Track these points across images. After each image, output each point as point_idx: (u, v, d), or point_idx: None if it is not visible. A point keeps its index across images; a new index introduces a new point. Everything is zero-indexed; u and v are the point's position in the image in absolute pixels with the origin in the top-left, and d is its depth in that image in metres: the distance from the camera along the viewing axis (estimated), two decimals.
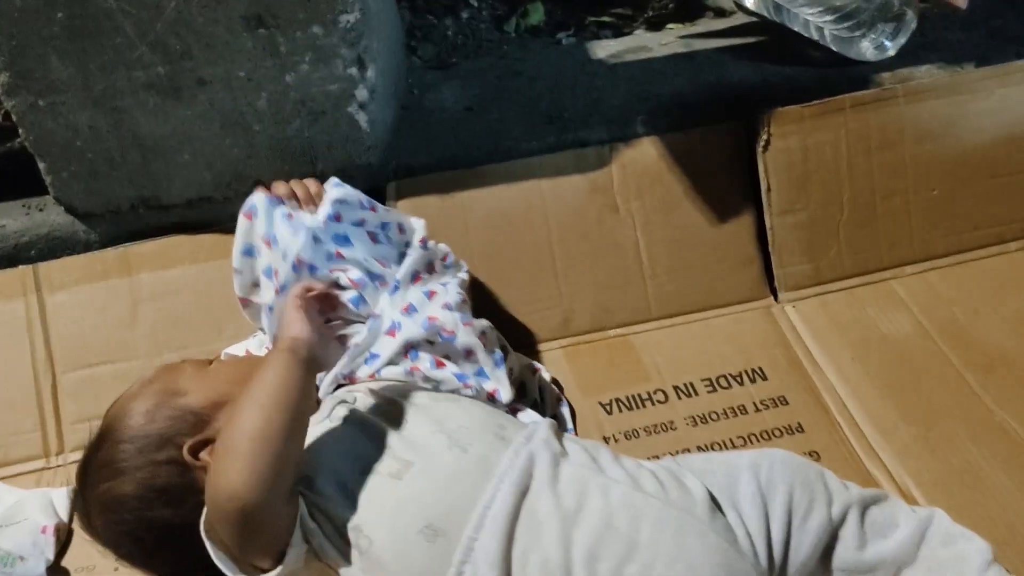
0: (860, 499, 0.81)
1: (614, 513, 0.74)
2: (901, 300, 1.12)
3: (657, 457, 0.97)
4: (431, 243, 1.00)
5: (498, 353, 0.95)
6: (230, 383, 0.83)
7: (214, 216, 1.09)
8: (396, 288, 0.93)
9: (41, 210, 1.09)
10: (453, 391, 0.88)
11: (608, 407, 1.03)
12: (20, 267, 1.07)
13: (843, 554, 0.79)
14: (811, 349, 1.08)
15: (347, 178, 1.08)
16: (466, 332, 0.92)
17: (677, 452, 0.98)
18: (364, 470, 0.77)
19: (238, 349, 1.01)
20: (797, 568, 0.78)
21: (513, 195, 1.10)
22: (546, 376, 1.03)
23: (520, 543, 0.73)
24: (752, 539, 0.76)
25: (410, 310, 0.91)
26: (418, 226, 1.00)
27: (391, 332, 0.89)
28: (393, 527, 0.74)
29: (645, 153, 1.12)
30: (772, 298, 1.14)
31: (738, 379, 1.05)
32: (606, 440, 1.00)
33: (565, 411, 1.00)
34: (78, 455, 1.01)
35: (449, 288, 0.96)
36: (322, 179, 1.06)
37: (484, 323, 0.96)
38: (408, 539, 0.73)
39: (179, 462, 0.80)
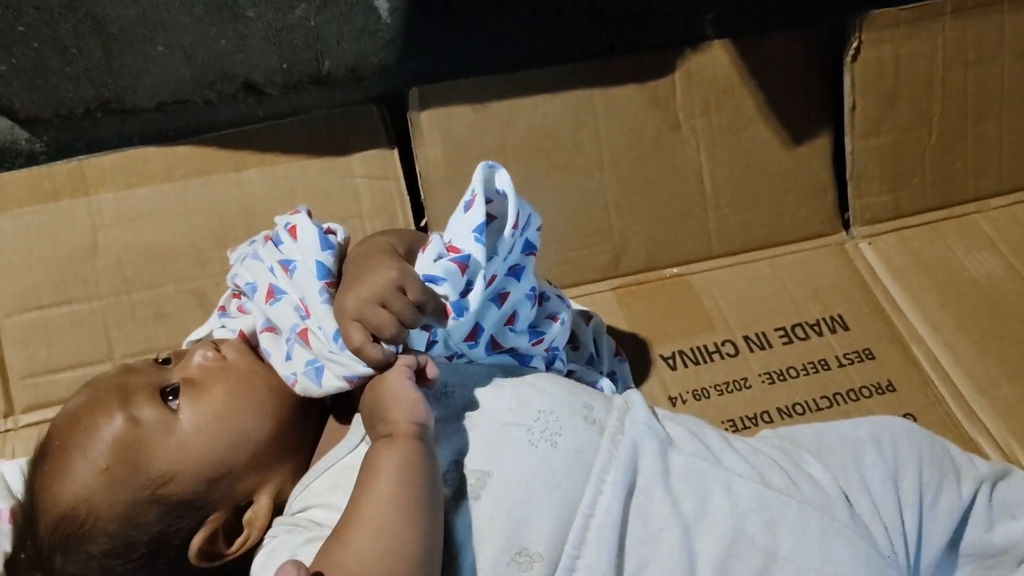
0: (990, 474, 0.70)
1: (744, 516, 0.60)
2: (988, 237, 0.99)
3: (733, 423, 0.84)
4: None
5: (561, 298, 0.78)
6: (217, 440, 0.63)
7: (190, 124, 0.89)
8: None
9: None
10: (519, 358, 0.71)
11: (671, 361, 0.89)
12: None
13: (971, 538, 0.68)
14: (893, 293, 0.95)
15: (358, 80, 0.88)
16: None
17: (754, 415, 0.85)
18: None
19: (202, 333, 0.80)
20: (929, 560, 0.66)
21: (559, 108, 0.92)
22: (600, 326, 0.87)
23: (633, 557, 0.59)
24: (890, 535, 0.64)
25: None
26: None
27: None
28: (480, 561, 0.58)
29: (714, 60, 0.95)
30: (844, 233, 1.00)
31: (816, 328, 0.91)
32: (672, 401, 0.86)
33: (625, 367, 0.85)
34: (31, 417, 0.85)
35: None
36: (327, 81, 0.87)
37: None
38: (498, 574, 0.58)
39: (183, 560, 0.63)
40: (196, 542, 0.63)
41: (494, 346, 0.70)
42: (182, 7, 0.78)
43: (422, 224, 0.92)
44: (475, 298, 0.64)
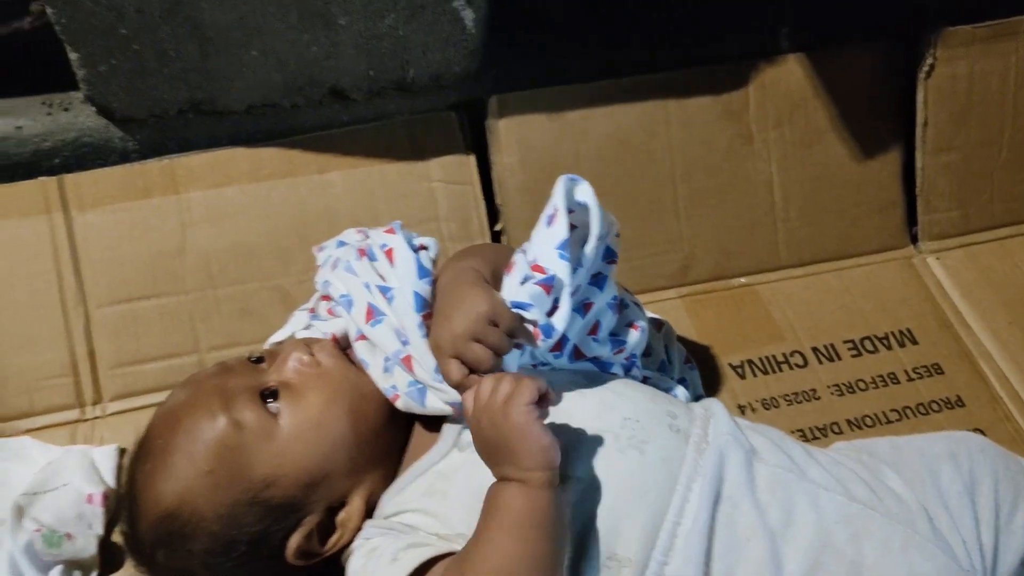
0: None
1: (830, 528, 0.61)
2: None
3: (803, 433, 0.85)
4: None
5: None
6: (316, 447, 0.65)
7: (275, 127, 0.91)
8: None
9: (66, 109, 0.89)
10: (599, 365, 0.73)
11: (740, 370, 0.90)
12: (41, 178, 0.89)
13: None
14: (961, 309, 0.95)
15: (440, 88, 0.91)
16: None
17: (824, 426, 0.85)
18: None
19: (285, 333, 0.80)
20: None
21: (633, 118, 0.94)
22: (671, 333, 0.88)
23: (720, 565, 0.60)
24: (967, 549, 0.65)
25: None
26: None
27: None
28: (574, 568, 0.60)
29: (788, 73, 0.96)
30: (912, 247, 1.00)
31: (885, 342, 0.92)
32: (741, 410, 0.87)
33: (695, 375, 0.87)
34: (119, 405, 0.88)
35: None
36: (411, 88, 0.90)
37: None
38: None
39: (280, 558, 0.65)
40: (293, 542, 0.65)
41: (577, 355, 0.72)
42: (278, 14, 0.81)
43: (496, 228, 0.94)
44: (561, 318, 0.65)
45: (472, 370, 0.62)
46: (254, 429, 0.64)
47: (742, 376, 0.89)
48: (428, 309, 0.67)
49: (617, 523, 0.60)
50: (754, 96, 0.96)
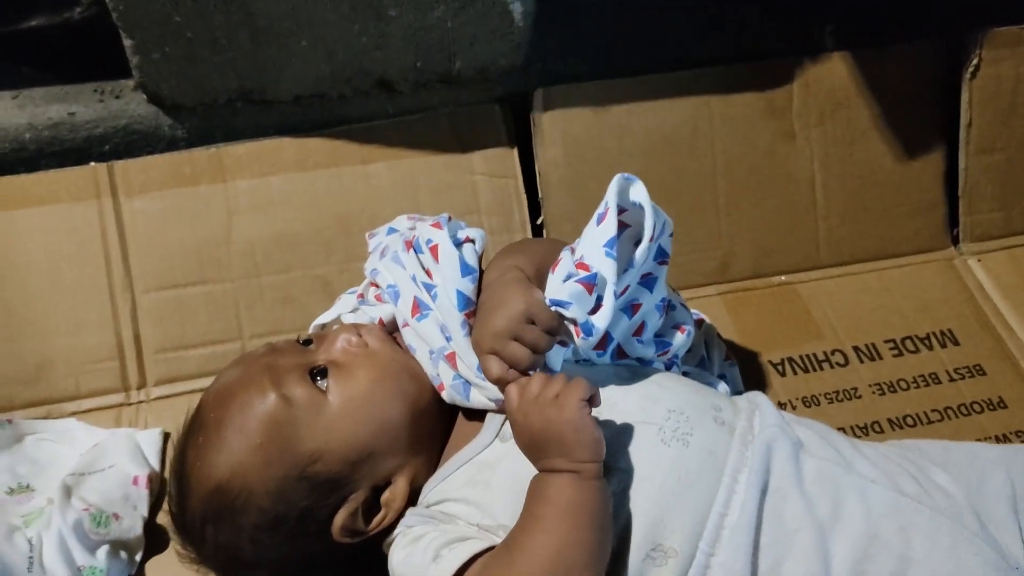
0: None
1: (879, 521, 0.61)
2: None
3: (844, 431, 0.84)
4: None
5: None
6: (363, 424, 0.66)
7: (323, 117, 0.92)
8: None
9: (117, 97, 0.91)
10: (641, 363, 0.73)
11: (780, 367, 0.90)
12: (92, 164, 0.90)
13: None
14: (1002, 311, 0.95)
15: (485, 81, 0.91)
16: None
17: (865, 425, 0.85)
18: None
19: (330, 317, 0.81)
20: None
21: (678, 113, 0.94)
22: (712, 330, 0.89)
23: (767, 557, 0.60)
24: (1010, 550, 0.64)
25: None
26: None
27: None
28: (618, 558, 0.60)
29: (832, 71, 0.96)
30: (953, 248, 1.00)
31: (926, 342, 0.92)
32: (782, 407, 0.86)
33: (735, 372, 0.87)
34: (163, 390, 0.89)
35: None
36: (456, 80, 0.90)
37: None
38: (635, 569, 0.60)
39: (326, 534, 0.67)
40: (339, 519, 0.66)
41: (620, 354, 0.72)
42: (330, 4, 0.81)
43: (539, 222, 0.94)
44: (603, 317, 0.65)
45: (511, 367, 0.62)
46: (303, 404, 0.65)
47: (782, 374, 0.89)
48: (471, 307, 0.67)
49: (662, 514, 0.61)
50: (797, 93, 0.96)
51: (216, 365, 0.88)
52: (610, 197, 0.67)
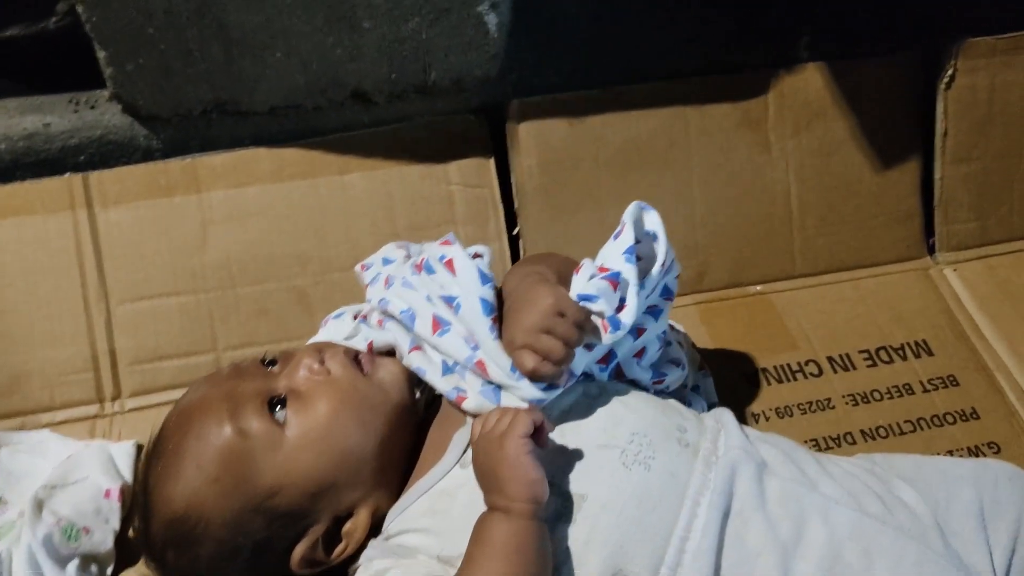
0: None
1: (842, 543, 0.61)
2: None
3: (816, 443, 0.85)
4: None
5: None
6: (323, 457, 0.65)
7: (299, 128, 0.92)
8: None
9: (92, 107, 0.90)
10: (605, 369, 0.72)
11: (754, 378, 0.90)
12: (67, 175, 0.90)
13: None
14: (977, 321, 0.95)
15: (461, 91, 0.92)
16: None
17: (838, 436, 0.86)
18: None
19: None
20: None
21: (653, 124, 0.94)
22: (686, 339, 0.89)
23: None
24: (977, 568, 0.64)
25: None
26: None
27: None
28: None
29: (808, 82, 0.96)
30: (929, 258, 1.00)
31: (900, 353, 0.92)
32: (755, 418, 0.87)
33: (709, 382, 0.87)
34: (137, 401, 0.89)
35: None
36: (431, 91, 0.90)
37: None
38: None
39: (285, 564, 0.67)
40: (299, 551, 0.66)
41: (617, 374, 0.72)
42: (304, 16, 0.81)
43: (514, 232, 0.95)
44: (630, 312, 0.66)
45: (544, 358, 0.63)
46: (260, 438, 0.65)
47: (756, 385, 0.89)
48: (495, 312, 0.68)
49: (623, 541, 0.60)
50: (773, 105, 0.96)
51: (190, 376, 0.88)
52: (627, 217, 0.70)
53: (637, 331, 0.71)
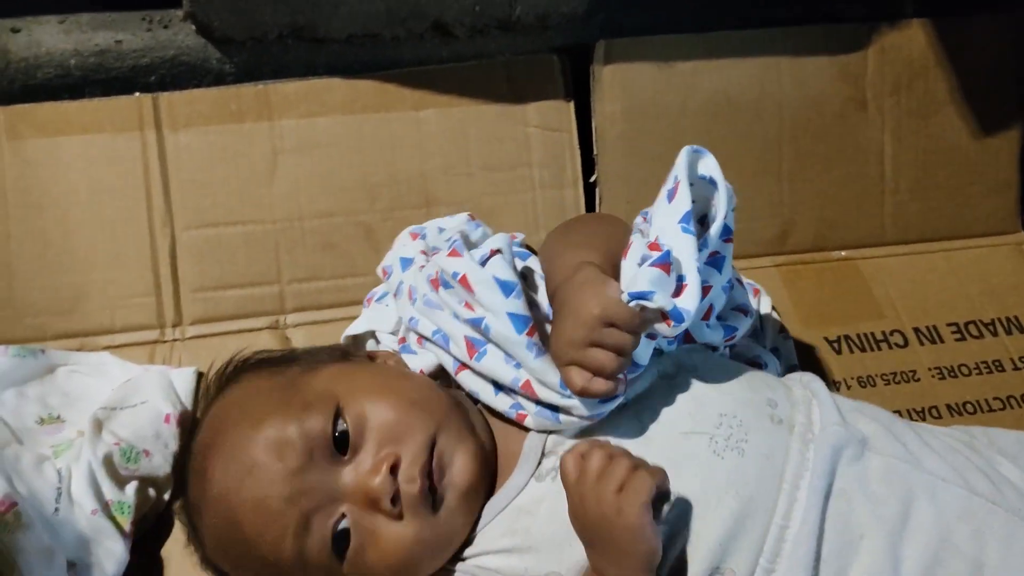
0: None
1: (951, 524, 0.57)
2: None
3: (899, 415, 0.80)
4: None
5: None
6: (392, 573, 0.60)
7: (375, 59, 0.89)
8: None
9: (165, 27, 0.88)
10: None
11: (836, 345, 0.86)
12: (137, 94, 0.88)
13: None
14: None
15: (545, 29, 0.88)
16: None
17: (923, 409, 0.82)
18: None
19: (361, 327, 0.76)
20: None
21: (745, 73, 0.90)
22: (766, 301, 0.85)
23: (830, 567, 0.57)
24: None
25: None
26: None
27: None
28: None
29: (911, 40, 0.91)
30: (1022, 232, 0.95)
31: (991, 328, 0.88)
32: (836, 386, 0.83)
33: (789, 345, 0.83)
34: (198, 329, 0.87)
35: None
36: (515, 27, 0.87)
37: None
38: None
39: None
40: None
41: (687, 339, 0.67)
42: None
43: (591, 180, 0.91)
44: (691, 298, 0.58)
45: (596, 374, 0.57)
46: (317, 569, 0.60)
47: (838, 351, 0.86)
48: (530, 323, 0.61)
49: (719, 535, 0.57)
50: (872, 60, 0.91)
51: (252, 307, 0.86)
52: (680, 171, 0.61)
53: (703, 290, 0.63)
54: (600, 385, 0.57)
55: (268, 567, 0.60)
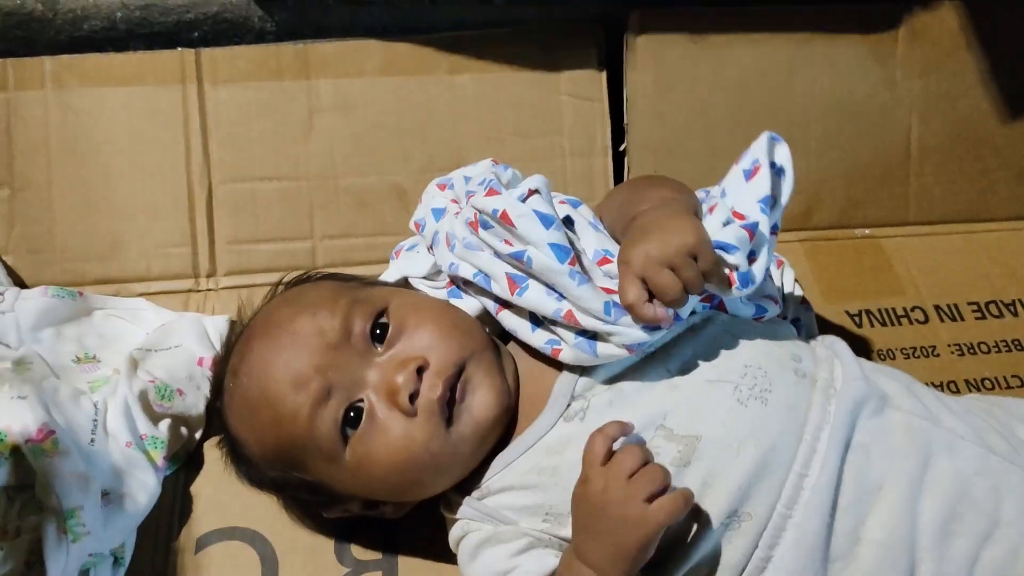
0: None
1: (969, 479, 0.58)
2: None
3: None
4: None
5: None
6: (365, 488, 0.64)
7: (412, 22, 0.91)
8: None
9: None
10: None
11: (857, 319, 0.87)
12: (180, 49, 0.90)
13: None
14: None
15: None
16: None
17: (941, 383, 0.83)
18: None
19: (393, 274, 0.76)
20: None
21: (777, 48, 0.91)
22: (790, 273, 0.86)
23: (847, 517, 0.58)
24: None
25: None
26: None
27: None
28: (695, 528, 0.58)
29: (943, 21, 0.92)
30: None
31: (1011, 308, 0.89)
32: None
33: (811, 316, 0.84)
34: (232, 280, 0.89)
35: None
36: None
37: None
38: (711, 536, 0.58)
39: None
40: (332, 514, 0.69)
41: (720, 307, 0.68)
42: None
43: (621, 148, 0.92)
44: (761, 268, 0.61)
45: (656, 296, 0.58)
46: (321, 447, 0.62)
47: (859, 325, 0.87)
48: (572, 252, 0.62)
49: (741, 481, 0.58)
50: (903, 40, 0.92)
51: (285, 262, 0.88)
52: (760, 154, 0.64)
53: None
54: (646, 311, 0.57)
55: (282, 435, 0.63)
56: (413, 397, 0.60)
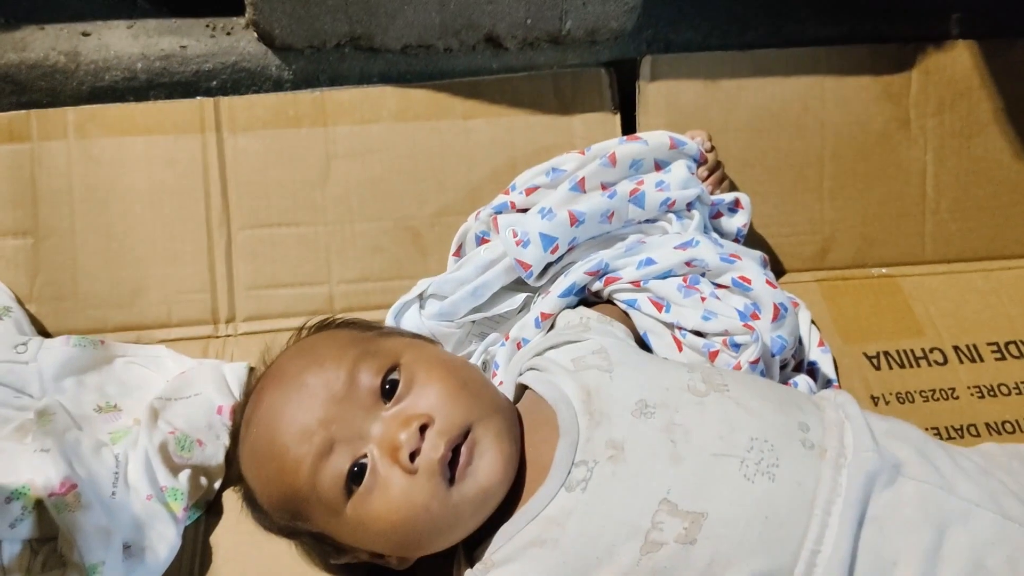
0: None
1: (984, 550, 0.57)
2: None
3: (938, 432, 0.81)
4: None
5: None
6: (367, 542, 0.64)
7: (427, 69, 0.92)
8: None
9: (228, 34, 0.91)
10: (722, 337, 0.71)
11: (875, 360, 0.87)
12: (199, 98, 0.91)
13: None
14: None
15: (593, 44, 0.90)
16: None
17: (961, 427, 0.82)
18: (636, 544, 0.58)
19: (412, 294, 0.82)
20: None
21: (788, 90, 0.91)
22: (805, 315, 0.86)
23: None
24: None
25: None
26: None
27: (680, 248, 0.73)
28: None
29: (955, 60, 0.92)
30: None
31: None
32: (875, 401, 0.84)
33: (828, 359, 0.84)
34: (250, 326, 0.90)
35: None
36: (564, 41, 0.89)
37: (757, 254, 0.81)
38: None
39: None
40: (340, 561, 0.69)
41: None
42: None
43: None
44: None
45: None
46: (323, 499, 0.62)
47: (877, 367, 0.86)
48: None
49: (749, 559, 0.57)
50: (916, 80, 0.92)
51: (303, 306, 0.89)
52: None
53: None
54: None
55: (286, 486, 0.63)
56: (415, 455, 0.60)
